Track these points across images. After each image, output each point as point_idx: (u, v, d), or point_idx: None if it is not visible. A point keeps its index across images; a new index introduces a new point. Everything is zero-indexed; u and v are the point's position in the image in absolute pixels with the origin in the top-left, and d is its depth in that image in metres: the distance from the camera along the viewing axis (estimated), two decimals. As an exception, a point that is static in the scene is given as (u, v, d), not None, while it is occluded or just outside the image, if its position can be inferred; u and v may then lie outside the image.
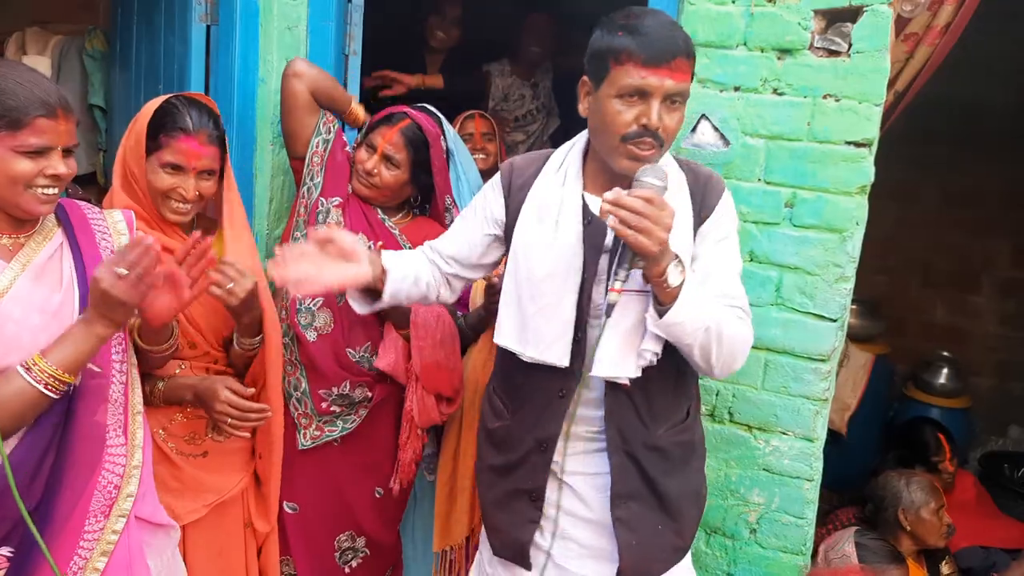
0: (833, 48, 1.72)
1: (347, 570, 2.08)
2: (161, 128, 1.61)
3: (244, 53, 2.20)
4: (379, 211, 2.03)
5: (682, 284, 1.28)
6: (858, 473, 3.21)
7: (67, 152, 1.32)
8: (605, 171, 1.41)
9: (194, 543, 1.71)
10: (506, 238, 1.53)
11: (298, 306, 1.94)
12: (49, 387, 1.23)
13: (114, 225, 1.46)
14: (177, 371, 1.69)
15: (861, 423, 3.40)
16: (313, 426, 1.97)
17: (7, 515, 1.26)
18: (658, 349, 1.37)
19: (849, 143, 1.73)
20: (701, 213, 1.41)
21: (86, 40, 3.18)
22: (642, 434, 1.45)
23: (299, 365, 1.96)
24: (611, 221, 1.24)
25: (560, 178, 1.46)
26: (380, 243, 1.98)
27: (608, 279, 1.38)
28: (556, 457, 1.49)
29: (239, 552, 1.81)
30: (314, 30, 2.28)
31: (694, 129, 1.84)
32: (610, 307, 1.29)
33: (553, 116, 3.70)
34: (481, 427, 1.66)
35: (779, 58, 1.76)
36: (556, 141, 3.65)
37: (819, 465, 1.87)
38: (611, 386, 1.43)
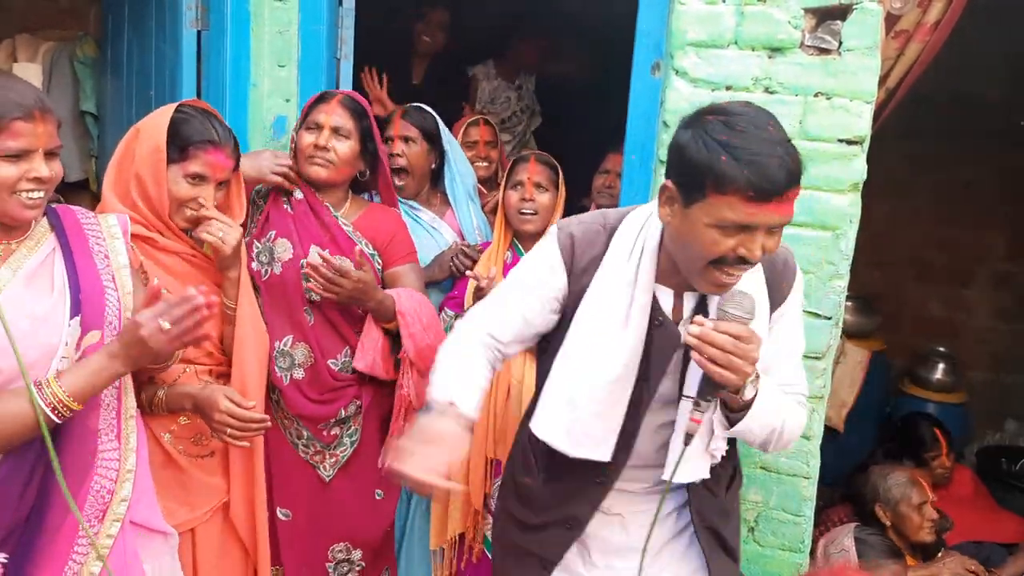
0: (823, 46, 1.72)
1: None
2: (188, 140, 1.63)
3: (235, 58, 2.20)
4: (330, 208, 1.99)
5: (757, 398, 1.27)
6: (856, 469, 3.22)
7: (50, 155, 1.30)
8: (680, 269, 1.31)
9: (203, 544, 1.72)
10: (563, 312, 1.43)
11: (274, 355, 1.94)
12: (55, 411, 1.24)
13: (108, 229, 1.46)
14: (182, 374, 1.70)
15: (858, 419, 3.41)
16: (328, 456, 2.00)
17: (4, 521, 1.26)
18: (726, 446, 1.42)
19: (841, 141, 1.73)
20: (775, 299, 1.37)
21: (77, 47, 3.17)
22: (714, 504, 1.49)
23: (294, 419, 1.98)
24: (696, 356, 1.21)
25: (630, 273, 1.34)
26: (330, 249, 1.95)
27: (680, 387, 1.37)
28: (589, 531, 1.49)
29: (241, 551, 1.82)
30: (305, 34, 2.27)
31: (686, 129, 1.84)
32: (689, 437, 1.30)
33: (535, 115, 3.72)
34: (508, 471, 1.63)
35: (770, 57, 1.76)
36: (539, 137, 3.69)
37: (816, 463, 1.87)
38: (686, 486, 1.46)
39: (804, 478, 1.86)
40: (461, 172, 2.41)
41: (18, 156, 1.26)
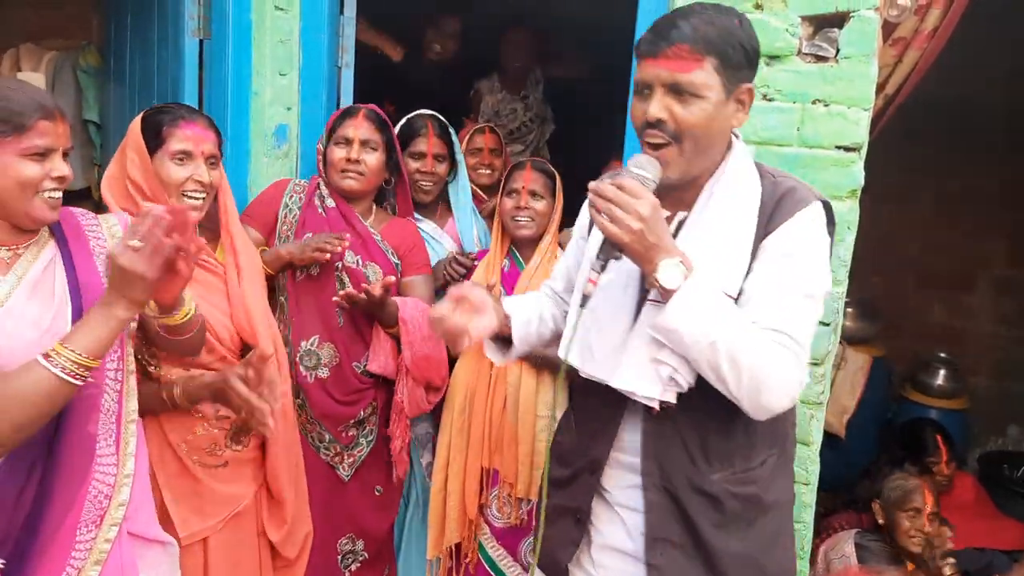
0: (821, 54, 1.73)
1: (347, 574, 2.13)
2: (160, 125, 1.67)
3: (237, 67, 2.22)
4: (360, 217, 2.10)
5: (681, 288, 1.19)
6: (856, 476, 3.21)
7: (64, 154, 1.33)
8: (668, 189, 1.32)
9: (215, 554, 1.73)
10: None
11: (299, 355, 2.02)
12: (71, 373, 1.21)
13: (110, 230, 1.46)
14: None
15: (859, 426, 3.40)
16: (347, 457, 2.07)
17: (1, 525, 1.25)
18: (677, 364, 1.26)
19: (839, 148, 1.74)
20: (768, 226, 1.28)
21: (80, 56, 3.19)
22: (688, 471, 1.32)
23: (316, 422, 2.04)
24: (590, 209, 1.21)
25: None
26: (361, 255, 2.06)
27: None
28: (605, 484, 1.41)
29: (254, 561, 1.83)
30: (307, 43, 2.29)
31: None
32: (584, 297, 1.24)
33: (547, 123, 3.73)
34: (554, 438, 1.60)
35: (767, 64, 1.77)
36: (552, 146, 3.71)
37: (815, 469, 1.86)
38: (649, 412, 1.33)
39: (803, 484, 1.86)
40: (463, 184, 2.47)
41: (42, 155, 1.28)
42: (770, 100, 1.78)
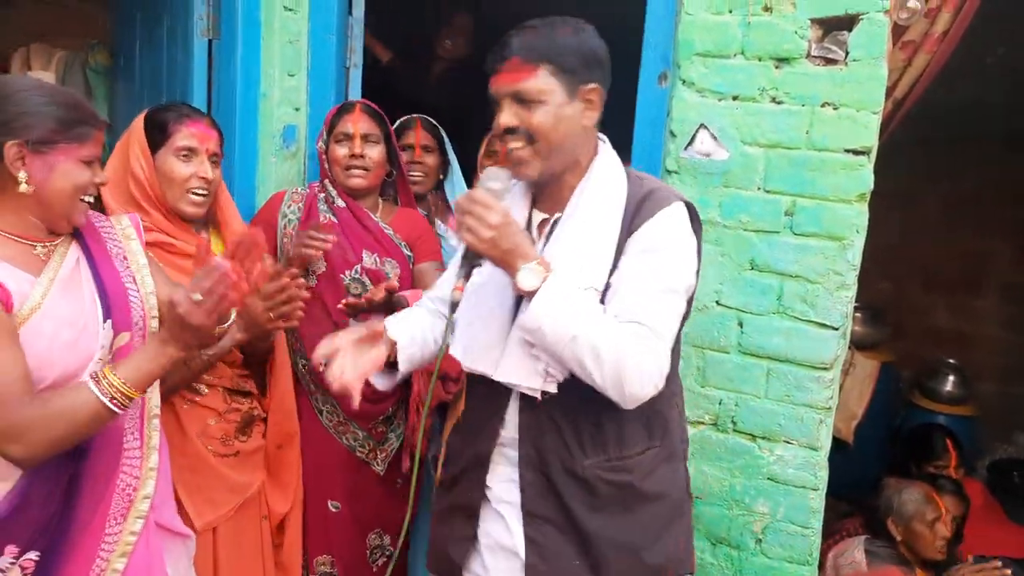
0: (830, 56, 1.72)
1: (374, 568, 2.16)
2: (165, 122, 1.69)
3: (246, 67, 2.23)
4: (370, 214, 2.10)
5: (540, 289, 1.26)
6: (864, 481, 3.19)
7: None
8: (547, 189, 1.44)
9: (224, 540, 1.77)
10: None
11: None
12: (115, 402, 1.24)
13: (123, 231, 1.48)
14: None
15: (867, 431, 3.39)
16: (379, 453, 2.10)
17: (35, 520, 1.27)
18: (547, 359, 1.33)
19: (848, 151, 1.73)
20: (631, 225, 1.36)
21: (89, 55, 3.21)
22: (562, 455, 1.38)
23: (349, 422, 2.07)
24: (455, 220, 1.29)
25: (515, 196, 1.47)
26: (377, 252, 2.06)
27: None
28: (488, 480, 1.45)
29: (257, 545, 1.88)
30: (315, 44, 2.30)
31: (693, 139, 1.84)
32: (453, 305, 1.32)
33: None
34: (446, 441, 1.64)
35: (776, 67, 1.76)
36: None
37: (824, 474, 1.85)
38: (526, 400, 1.39)
39: (812, 490, 1.85)
40: (457, 179, 2.53)
41: (90, 163, 1.33)
42: (779, 103, 1.77)
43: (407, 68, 3.38)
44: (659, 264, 1.33)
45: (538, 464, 1.40)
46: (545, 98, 1.33)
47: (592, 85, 1.36)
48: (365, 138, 2.04)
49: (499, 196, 1.31)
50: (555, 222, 1.43)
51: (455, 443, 1.55)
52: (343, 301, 1.93)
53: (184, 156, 1.69)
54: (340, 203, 2.07)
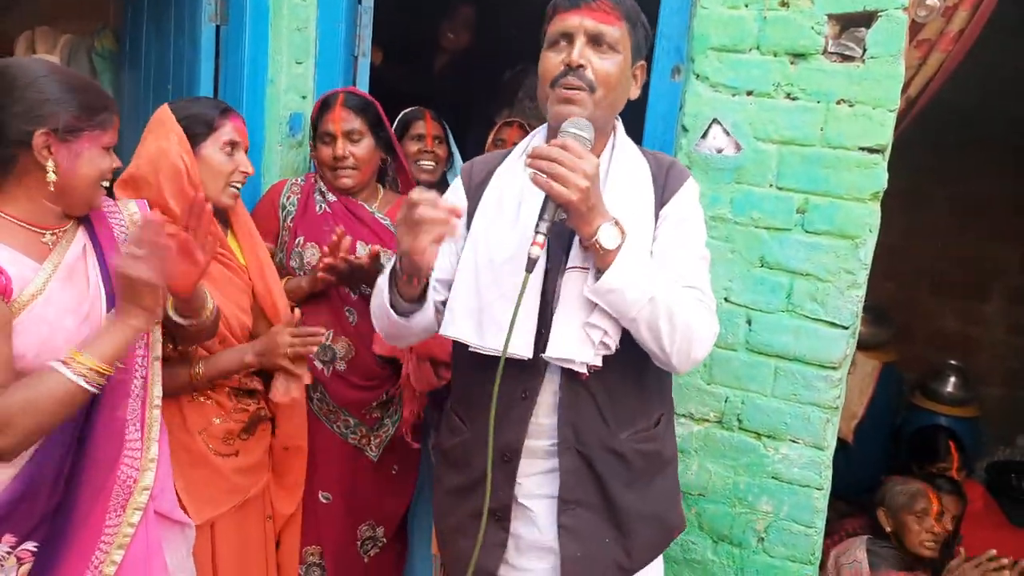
0: (847, 53, 1.70)
1: (366, 560, 2.15)
2: (208, 114, 1.70)
3: (253, 54, 2.21)
4: (364, 205, 2.06)
5: (620, 248, 1.22)
6: (864, 481, 3.19)
7: None
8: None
9: (222, 539, 1.77)
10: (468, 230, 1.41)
11: (313, 356, 2.00)
12: (89, 381, 1.23)
13: (130, 216, 1.47)
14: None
15: (868, 431, 3.38)
16: (373, 438, 2.08)
17: (35, 509, 1.26)
18: (608, 328, 1.28)
19: (863, 149, 1.71)
20: (663, 196, 1.37)
21: (95, 39, 3.18)
22: (601, 433, 1.35)
23: (339, 410, 2.05)
24: (530, 173, 1.20)
25: (521, 164, 1.39)
26: (373, 243, 2.02)
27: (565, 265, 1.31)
28: (518, 476, 1.37)
29: (260, 544, 1.89)
30: (323, 32, 2.28)
31: (706, 133, 1.83)
32: (531, 262, 1.20)
33: None
34: (436, 451, 1.57)
35: (792, 63, 1.75)
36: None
37: (829, 474, 1.85)
38: (568, 380, 1.33)
39: (816, 489, 1.84)
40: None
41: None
42: (794, 99, 1.75)
43: (399, 68, 3.34)
44: (693, 233, 1.38)
45: (576, 444, 1.35)
46: (620, 49, 1.33)
47: (641, 63, 1.38)
48: (348, 136, 1.98)
49: (586, 146, 1.24)
50: None
51: (463, 448, 1.44)
52: (322, 260, 1.88)
53: (228, 150, 1.70)
54: (332, 197, 2.05)
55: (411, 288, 1.34)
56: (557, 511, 1.37)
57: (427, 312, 1.38)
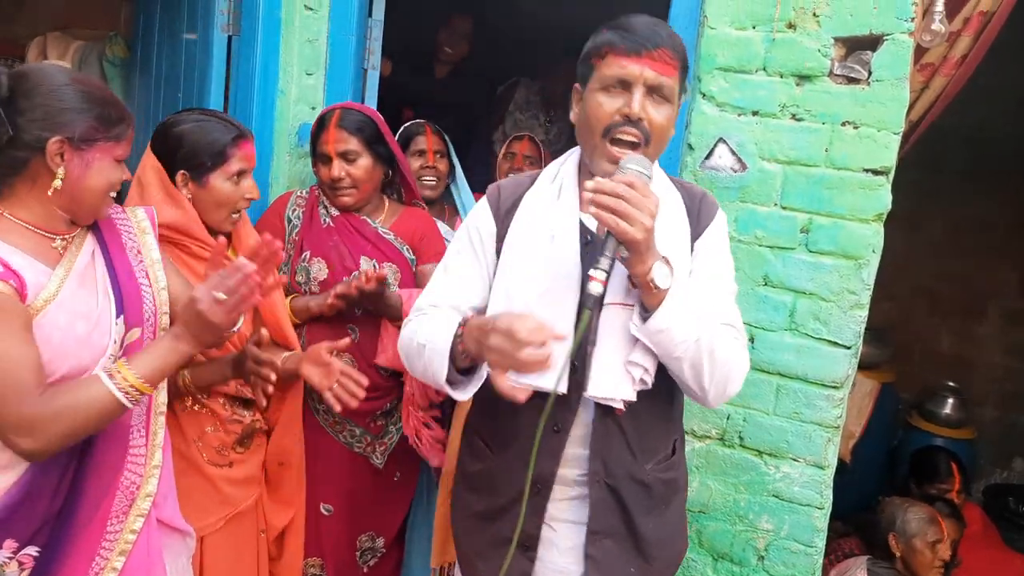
0: (853, 76, 1.73)
1: (365, 570, 2.15)
2: (219, 142, 1.66)
3: (264, 64, 2.23)
4: (368, 220, 2.07)
5: (670, 289, 1.21)
6: (861, 501, 3.19)
7: None
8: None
9: (213, 551, 1.75)
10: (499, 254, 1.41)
11: None
12: (129, 397, 1.24)
13: (138, 224, 1.47)
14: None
15: (866, 451, 3.39)
16: (379, 446, 2.09)
17: (37, 514, 1.26)
18: (648, 365, 1.29)
19: (867, 171, 1.73)
20: (697, 228, 1.36)
21: (107, 46, 3.19)
22: (629, 465, 1.35)
23: (344, 421, 2.05)
24: (592, 209, 1.17)
25: (555, 191, 1.38)
26: (377, 257, 2.04)
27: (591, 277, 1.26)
28: (548, 505, 1.38)
29: (252, 558, 1.86)
30: (334, 44, 2.30)
31: (711, 152, 1.85)
32: (592, 298, 1.16)
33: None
34: (459, 471, 1.56)
35: (798, 84, 1.77)
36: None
37: (829, 493, 1.85)
38: (602, 414, 1.33)
39: (817, 508, 1.85)
40: (461, 183, 2.56)
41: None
42: (799, 120, 1.78)
43: (406, 76, 3.37)
44: (724, 266, 1.38)
45: (605, 478, 1.35)
46: (673, 100, 1.30)
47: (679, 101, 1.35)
48: (343, 157, 1.97)
49: (648, 184, 1.22)
50: None
51: (488, 475, 1.44)
52: (335, 291, 1.90)
53: (236, 179, 1.69)
54: (335, 211, 2.06)
55: (466, 361, 1.32)
56: (585, 542, 1.37)
57: (478, 383, 1.34)
